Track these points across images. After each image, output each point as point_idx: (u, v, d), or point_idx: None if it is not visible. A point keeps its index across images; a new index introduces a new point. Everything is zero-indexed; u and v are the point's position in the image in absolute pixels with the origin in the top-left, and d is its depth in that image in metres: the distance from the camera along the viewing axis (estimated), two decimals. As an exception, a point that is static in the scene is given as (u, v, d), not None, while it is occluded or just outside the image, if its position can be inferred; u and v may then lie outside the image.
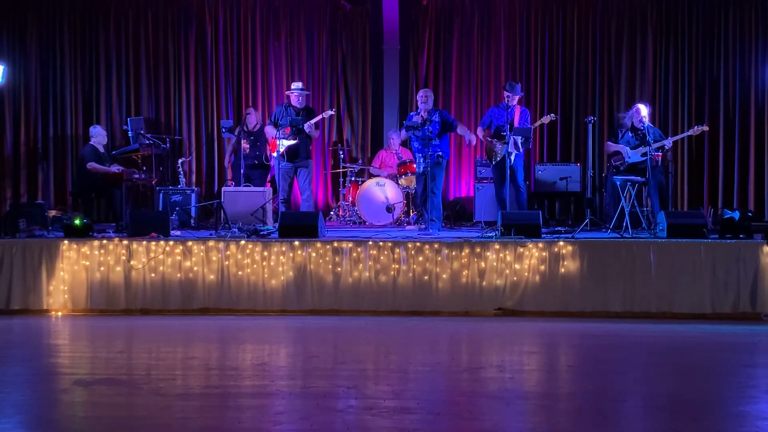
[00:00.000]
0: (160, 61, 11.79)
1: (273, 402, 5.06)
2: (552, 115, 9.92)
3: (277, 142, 9.91)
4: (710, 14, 11.37)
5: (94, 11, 11.72)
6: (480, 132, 9.78)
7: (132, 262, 8.05)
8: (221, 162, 11.69)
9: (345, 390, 5.33)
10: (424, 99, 9.46)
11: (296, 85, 10.30)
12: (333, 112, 10.14)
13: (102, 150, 10.26)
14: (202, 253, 8.05)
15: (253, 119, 10.67)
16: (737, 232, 8.07)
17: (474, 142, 9.78)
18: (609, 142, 9.73)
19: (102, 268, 8.02)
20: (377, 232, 9.35)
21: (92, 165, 9.95)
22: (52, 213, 9.94)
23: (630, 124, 9.47)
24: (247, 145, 10.49)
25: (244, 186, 10.18)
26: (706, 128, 9.47)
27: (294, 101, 10.08)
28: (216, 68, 11.80)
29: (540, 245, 7.92)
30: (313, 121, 9.81)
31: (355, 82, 11.98)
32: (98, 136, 10.30)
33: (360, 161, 11.69)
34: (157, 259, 8.04)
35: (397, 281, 7.96)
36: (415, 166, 9.75)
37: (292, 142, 9.84)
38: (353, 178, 11.14)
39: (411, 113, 9.88)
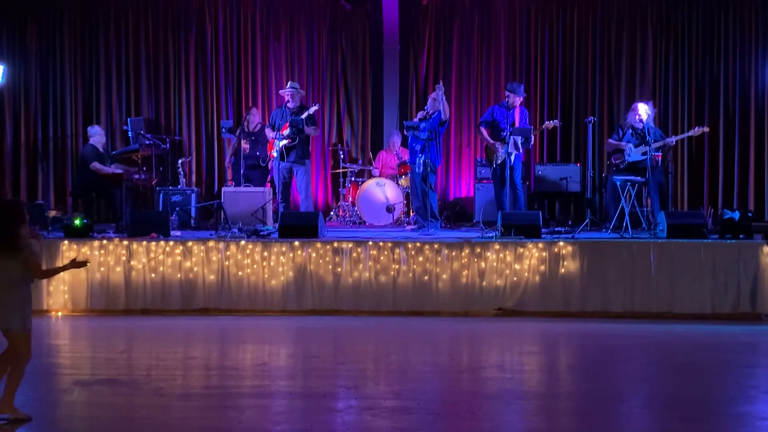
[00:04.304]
0: (160, 61, 11.77)
1: (273, 402, 5.07)
2: (555, 120, 9.90)
3: (275, 143, 9.93)
4: (710, 14, 11.35)
5: (94, 11, 11.71)
6: (483, 131, 9.71)
7: (132, 263, 8.05)
8: (221, 162, 11.69)
9: (345, 390, 5.33)
10: (434, 99, 9.41)
11: (289, 84, 10.30)
12: (318, 107, 10.15)
13: (101, 150, 10.26)
14: (202, 254, 8.05)
15: (255, 119, 10.66)
16: (737, 233, 8.06)
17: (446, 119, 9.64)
18: (610, 140, 9.72)
19: (102, 269, 8.02)
20: (377, 232, 9.34)
21: (95, 165, 9.94)
22: (52, 213, 9.94)
23: (631, 123, 9.47)
24: (247, 146, 10.48)
25: (244, 186, 10.18)
26: (706, 129, 9.47)
27: (290, 103, 10.11)
28: (216, 68, 11.79)
29: (540, 245, 7.92)
30: (304, 115, 9.82)
31: (355, 82, 11.97)
32: (97, 135, 10.29)
33: (360, 161, 11.68)
34: (157, 260, 8.04)
35: (397, 281, 7.96)
36: (413, 166, 9.67)
37: (288, 141, 9.85)
38: (353, 178, 11.14)
39: (420, 112, 9.84)
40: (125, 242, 8.09)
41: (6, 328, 4.58)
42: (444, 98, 9.32)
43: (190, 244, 8.10)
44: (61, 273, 7.88)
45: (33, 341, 4.67)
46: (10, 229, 4.58)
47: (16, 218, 4.61)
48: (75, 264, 4.89)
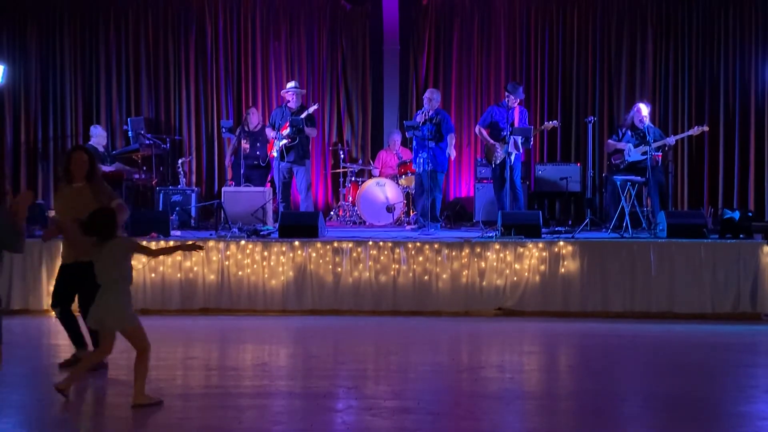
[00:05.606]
0: (160, 61, 11.77)
1: (273, 402, 5.07)
2: (554, 121, 9.92)
3: (275, 142, 9.95)
4: (710, 14, 11.35)
5: (94, 11, 11.71)
6: (482, 132, 9.72)
7: (132, 262, 8.02)
8: (221, 162, 11.69)
9: (345, 390, 5.34)
10: (428, 99, 9.47)
11: (290, 84, 10.33)
12: (317, 106, 10.18)
13: (101, 150, 10.25)
14: (202, 253, 8.05)
15: (254, 119, 10.66)
16: (737, 232, 8.07)
17: (454, 156, 9.86)
18: (610, 141, 9.73)
19: (102, 268, 8.01)
20: (377, 232, 9.34)
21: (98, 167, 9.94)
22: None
23: (631, 123, 9.47)
24: (247, 145, 10.48)
25: (244, 186, 10.18)
26: (706, 129, 9.47)
27: (290, 102, 10.13)
28: (216, 68, 11.79)
29: (540, 245, 7.93)
30: (303, 115, 9.84)
31: (355, 82, 11.97)
32: (98, 136, 10.29)
33: (360, 161, 11.68)
34: (157, 259, 8.03)
35: (397, 281, 7.97)
36: (414, 166, 9.75)
37: (288, 141, 9.85)
38: (353, 178, 11.13)
39: (417, 112, 9.89)
40: (125, 242, 8.08)
41: (116, 328, 4.97)
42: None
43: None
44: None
45: (32, 341, 4.68)
46: (106, 233, 4.92)
47: (110, 224, 4.94)
48: (190, 246, 5.30)
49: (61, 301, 5.80)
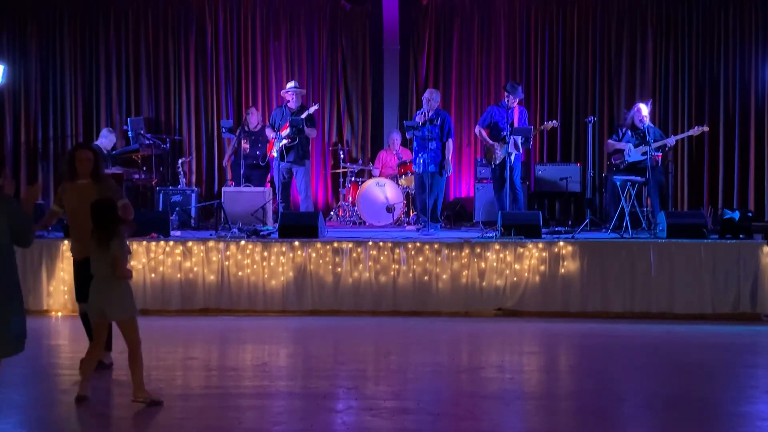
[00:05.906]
0: (160, 61, 11.77)
1: (273, 402, 5.07)
2: (554, 121, 9.93)
3: (275, 142, 9.95)
4: (710, 14, 11.36)
5: (94, 11, 11.71)
6: (482, 132, 9.72)
7: (132, 263, 8.04)
8: (221, 162, 11.69)
9: (345, 390, 5.34)
10: (427, 99, 9.46)
11: (290, 84, 10.33)
12: (317, 107, 10.19)
13: (104, 152, 10.23)
14: (202, 254, 8.06)
15: (254, 119, 10.66)
16: (737, 232, 8.07)
17: (449, 174, 9.84)
18: (610, 141, 9.73)
19: (102, 269, 8.01)
20: (377, 232, 9.34)
21: None
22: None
23: (631, 123, 9.46)
24: (247, 145, 10.49)
25: (244, 186, 10.18)
26: (706, 129, 9.46)
27: (290, 102, 10.13)
28: (216, 68, 11.79)
29: (540, 245, 7.93)
30: (303, 115, 9.84)
31: (355, 82, 11.97)
32: (103, 138, 10.28)
33: (360, 161, 11.68)
34: (157, 260, 8.04)
35: (397, 281, 7.97)
36: (414, 167, 9.74)
37: (288, 141, 9.86)
38: (353, 178, 11.13)
39: (417, 112, 9.88)
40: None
41: (112, 317, 4.97)
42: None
43: (190, 244, 8.10)
44: (62, 273, 7.98)
45: (32, 341, 4.67)
46: (106, 225, 4.90)
47: (111, 216, 4.94)
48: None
49: (82, 297, 5.74)
